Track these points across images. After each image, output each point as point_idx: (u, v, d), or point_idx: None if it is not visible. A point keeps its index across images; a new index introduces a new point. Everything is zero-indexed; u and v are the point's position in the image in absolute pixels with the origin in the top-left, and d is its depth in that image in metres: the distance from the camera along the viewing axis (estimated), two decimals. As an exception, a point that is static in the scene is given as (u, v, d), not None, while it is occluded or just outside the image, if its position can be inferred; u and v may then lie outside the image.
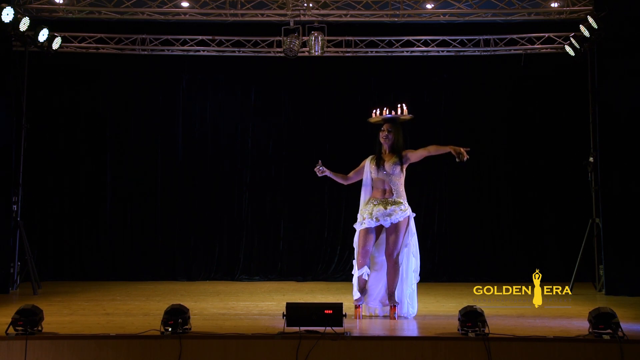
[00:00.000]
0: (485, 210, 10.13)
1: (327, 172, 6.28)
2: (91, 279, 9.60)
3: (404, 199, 6.13)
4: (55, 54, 9.31)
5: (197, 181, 10.25)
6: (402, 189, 6.15)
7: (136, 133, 10.25)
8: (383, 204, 6.07)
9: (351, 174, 6.42)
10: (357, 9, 9.30)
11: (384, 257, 6.16)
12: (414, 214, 6.22)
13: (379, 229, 6.15)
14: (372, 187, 6.23)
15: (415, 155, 6.20)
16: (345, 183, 6.49)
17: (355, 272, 6.16)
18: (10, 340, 4.87)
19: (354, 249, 6.30)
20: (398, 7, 9.18)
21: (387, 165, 6.13)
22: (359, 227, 6.18)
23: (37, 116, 9.50)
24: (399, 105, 6.31)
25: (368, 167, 6.27)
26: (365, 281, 6.13)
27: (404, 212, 6.06)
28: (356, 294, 6.13)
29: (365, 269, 6.10)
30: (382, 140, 6.24)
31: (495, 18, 9.43)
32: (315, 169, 6.28)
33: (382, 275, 6.19)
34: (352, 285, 6.23)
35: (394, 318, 6.00)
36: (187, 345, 4.87)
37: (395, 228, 6.03)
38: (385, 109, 6.31)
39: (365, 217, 6.09)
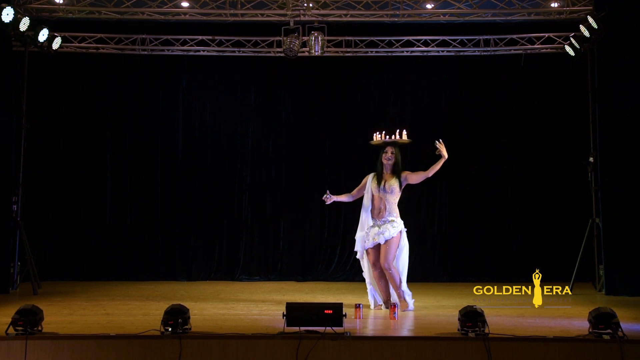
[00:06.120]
0: (485, 210, 10.13)
1: (334, 198, 6.96)
2: (91, 279, 9.60)
3: (396, 215, 6.82)
4: (55, 54, 9.32)
5: (197, 181, 10.25)
6: (395, 206, 6.82)
7: (136, 133, 10.25)
8: (378, 226, 6.78)
9: (355, 191, 7.08)
10: (357, 9, 9.30)
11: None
12: (406, 229, 6.84)
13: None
14: (372, 205, 6.86)
15: (414, 177, 6.89)
16: (351, 200, 7.15)
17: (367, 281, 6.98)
18: (10, 340, 4.87)
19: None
20: (398, 7, 9.18)
21: (387, 185, 6.80)
22: (363, 249, 6.90)
23: (37, 116, 9.49)
24: (397, 130, 6.90)
25: (370, 185, 6.91)
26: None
27: (395, 228, 6.73)
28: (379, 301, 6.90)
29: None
30: (384, 161, 6.88)
31: (495, 18, 9.43)
32: (323, 198, 6.89)
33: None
34: (367, 293, 6.96)
35: (394, 318, 6.02)
36: (187, 345, 4.87)
37: (388, 243, 6.70)
38: (384, 134, 6.92)
39: (365, 240, 6.82)
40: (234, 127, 10.37)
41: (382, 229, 6.71)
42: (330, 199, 6.89)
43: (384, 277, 6.81)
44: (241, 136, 10.38)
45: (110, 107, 10.26)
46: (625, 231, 8.12)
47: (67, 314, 6.41)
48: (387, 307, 6.67)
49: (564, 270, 9.13)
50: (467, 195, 10.15)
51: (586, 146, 9.02)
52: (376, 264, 6.79)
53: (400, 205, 6.89)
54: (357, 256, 7.03)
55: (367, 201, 6.91)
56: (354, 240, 7.03)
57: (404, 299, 6.68)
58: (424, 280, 9.29)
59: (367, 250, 6.86)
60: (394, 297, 6.83)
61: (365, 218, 6.91)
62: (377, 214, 6.81)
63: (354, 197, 7.09)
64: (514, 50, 9.89)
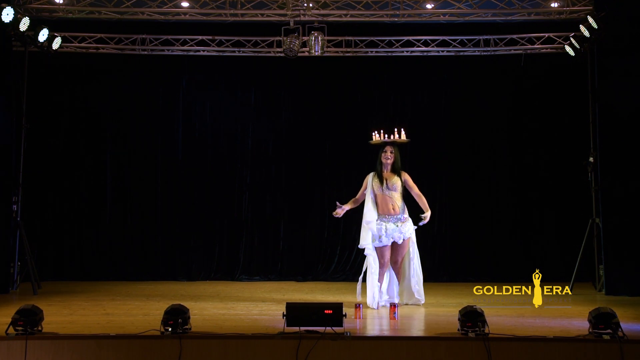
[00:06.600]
0: (485, 210, 10.12)
1: (346, 207, 7.12)
2: (91, 279, 9.59)
3: (407, 213, 7.10)
4: (55, 54, 9.32)
5: (197, 181, 10.25)
6: (403, 202, 7.08)
7: (136, 133, 10.24)
8: (394, 222, 6.97)
9: (359, 195, 7.22)
10: (357, 9, 9.30)
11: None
12: (415, 227, 7.13)
13: None
14: (377, 203, 7.04)
15: (410, 189, 7.11)
16: (358, 204, 7.23)
17: (374, 279, 6.94)
18: (10, 340, 4.88)
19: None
20: (398, 7, 9.18)
21: (390, 183, 7.03)
22: (378, 244, 6.94)
23: (37, 116, 9.48)
24: (395, 130, 7.13)
25: (371, 184, 7.09)
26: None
27: (411, 227, 7.04)
28: (377, 298, 6.87)
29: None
30: (384, 160, 7.09)
31: (495, 18, 9.42)
32: (334, 214, 7.08)
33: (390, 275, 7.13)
34: (367, 291, 6.95)
35: (394, 318, 6.02)
36: (187, 345, 4.88)
37: (406, 241, 7.03)
38: (383, 133, 7.15)
39: (382, 235, 6.91)
40: (234, 127, 10.36)
41: (400, 228, 6.93)
42: (343, 210, 7.04)
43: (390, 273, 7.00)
44: (241, 136, 10.38)
45: (110, 107, 10.25)
46: (625, 231, 8.13)
47: (67, 314, 6.41)
48: (397, 300, 6.90)
49: (564, 270, 9.12)
50: (467, 195, 10.14)
51: (586, 146, 9.02)
52: (389, 260, 6.97)
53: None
54: (366, 252, 7.02)
55: (369, 198, 7.04)
56: (354, 240, 7.08)
57: (417, 292, 7.06)
58: (424, 280, 9.23)
59: (381, 248, 6.92)
60: (400, 298, 6.98)
61: (370, 215, 6.97)
62: (388, 211, 6.97)
63: (359, 200, 7.22)
64: (514, 50, 9.88)
